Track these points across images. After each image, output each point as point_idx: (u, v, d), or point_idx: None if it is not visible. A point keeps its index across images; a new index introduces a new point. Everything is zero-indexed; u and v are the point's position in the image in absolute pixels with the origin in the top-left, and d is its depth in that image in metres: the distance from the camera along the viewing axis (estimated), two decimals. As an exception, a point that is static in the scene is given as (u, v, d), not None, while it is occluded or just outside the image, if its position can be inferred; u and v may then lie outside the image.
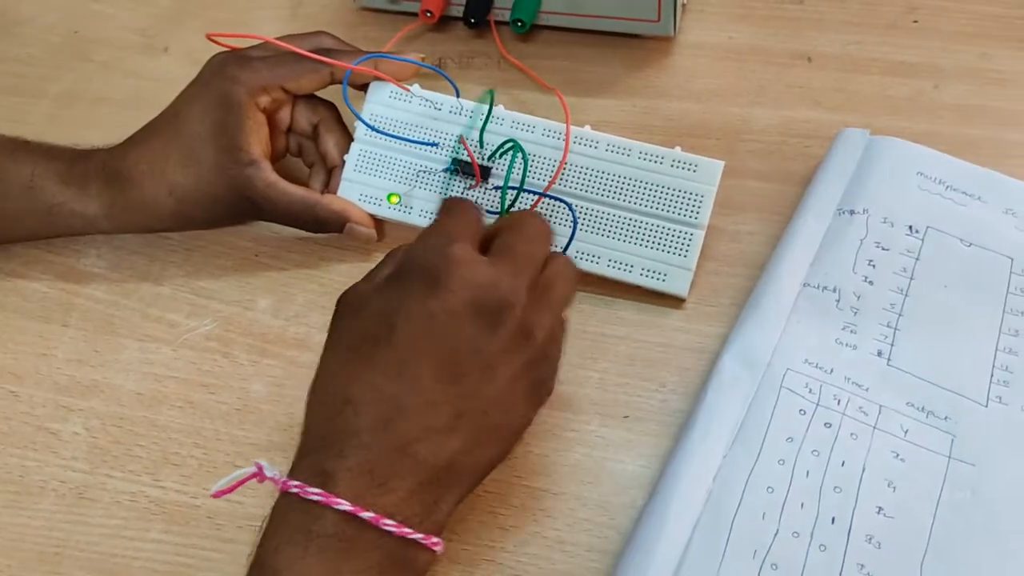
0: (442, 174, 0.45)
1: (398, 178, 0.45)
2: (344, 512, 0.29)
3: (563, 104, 0.45)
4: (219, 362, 0.43)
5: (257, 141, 0.43)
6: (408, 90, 0.45)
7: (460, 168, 0.44)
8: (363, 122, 0.45)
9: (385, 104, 0.46)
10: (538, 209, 0.43)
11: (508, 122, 0.44)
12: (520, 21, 0.50)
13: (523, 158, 0.43)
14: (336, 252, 0.46)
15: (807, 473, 0.36)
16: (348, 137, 0.46)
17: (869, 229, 0.42)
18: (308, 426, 0.32)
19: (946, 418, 0.38)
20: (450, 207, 0.35)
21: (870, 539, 0.35)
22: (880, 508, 0.36)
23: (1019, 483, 0.36)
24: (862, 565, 0.34)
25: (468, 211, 0.35)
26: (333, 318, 0.34)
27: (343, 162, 0.46)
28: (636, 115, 0.50)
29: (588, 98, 0.50)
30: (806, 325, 0.40)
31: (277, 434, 0.41)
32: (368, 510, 0.29)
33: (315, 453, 0.31)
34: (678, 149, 0.43)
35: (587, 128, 0.44)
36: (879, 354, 0.39)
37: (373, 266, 0.45)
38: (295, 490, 0.30)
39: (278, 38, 0.44)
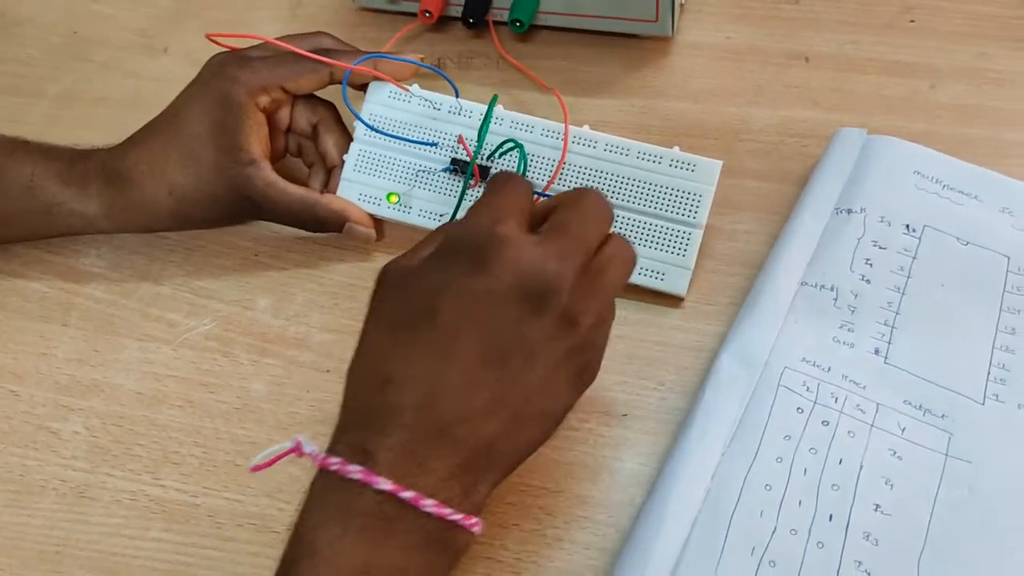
0: (441, 174, 0.45)
1: (397, 178, 0.45)
2: (384, 491, 0.29)
3: (562, 104, 0.45)
4: (219, 361, 0.43)
5: (257, 141, 0.43)
6: (407, 90, 0.46)
7: (459, 168, 0.44)
8: (362, 122, 0.45)
9: (384, 104, 0.46)
10: None
11: (507, 122, 0.44)
12: (519, 21, 0.51)
13: (522, 158, 0.43)
14: (335, 252, 0.46)
15: (805, 471, 0.37)
16: (347, 137, 0.46)
17: (866, 228, 0.42)
18: (348, 403, 0.32)
19: (943, 416, 0.38)
20: (499, 183, 0.34)
21: (868, 536, 0.35)
22: (877, 506, 0.36)
23: (1016, 480, 0.36)
24: (860, 562, 0.35)
25: (517, 187, 0.34)
26: (374, 293, 0.33)
27: (342, 162, 0.46)
28: (634, 115, 0.50)
29: (587, 98, 0.50)
30: (804, 324, 0.40)
31: (277, 433, 0.41)
32: (408, 490, 0.29)
33: (355, 431, 0.30)
34: (676, 149, 0.43)
35: (586, 128, 0.44)
36: (876, 352, 0.39)
37: (373, 265, 0.46)
38: (335, 468, 0.29)
39: (278, 38, 0.44)
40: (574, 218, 0.33)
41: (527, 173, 0.43)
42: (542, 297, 0.31)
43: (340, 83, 0.44)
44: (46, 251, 0.47)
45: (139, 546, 0.39)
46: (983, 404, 0.38)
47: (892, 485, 0.36)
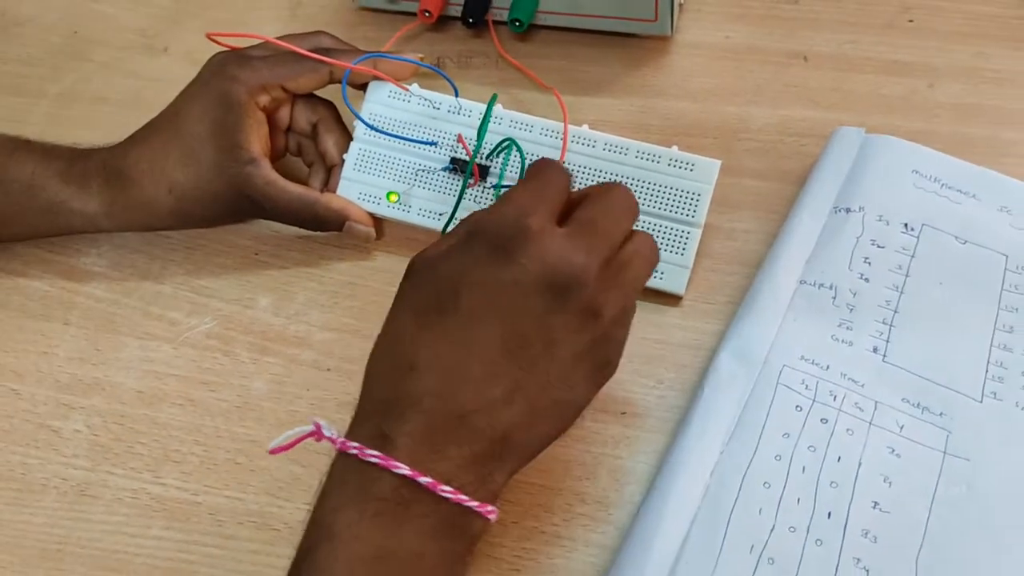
0: (441, 173, 0.45)
1: (397, 177, 0.45)
2: (402, 476, 0.29)
3: (561, 103, 0.45)
4: (220, 360, 0.43)
5: (257, 140, 0.43)
6: (407, 89, 0.46)
7: (459, 167, 0.45)
8: (362, 121, 0.45)
9: (384, 103, 0.46)
10: None
11: (506, 121, 0.45)
12: (518, 21, 0.51)
13: (521, 157, 0.43)
14: (336, 251, 0.46)
15: (803, 468, 0.37)
16: (347, 136, 0.47)
17: (865, 227, 0.43)
18: (369, 388, 0.32)
19: (941, 414, 0.38)
20: (536, 172, 0.34)
21: (866, 534, 0.35)
22: (876, 503, 0.36)
23: (1013, 478, 0.36)
24: (858, 559, 0.35)
25: (555, 178, 0.34)
26: (402, 281, 0.33)
27: (342, 161, 0.46)
28: (633, 114, 0.50)
29: (586, 97, 0.50)
30: (802, 322, 0.40)
31: (278, 431, 0.40)
32: (426, 475, 0.29)
33: (375, 416, 0.31)
34: (675, 148, 0.43)
35: (585, 127, 0.44)
36: (875, 350, 0.40)
37: (373, 264, 0.46)
38: (354, 451, 0.30)
39: (278, 38, 0.44)
40: (601, 212, 0.33)
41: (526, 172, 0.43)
42: (567, 289, 0.31)
43: (340, 82, 0.44)
44: (47, 250, 0.47)
45: (140, 544, 0.39)
46: (981, 402, 0.38)
47: (890, 483, 0.36)
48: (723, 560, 0.35)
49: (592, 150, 0.44)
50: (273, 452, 0.33)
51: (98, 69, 0.56)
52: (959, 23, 0.52)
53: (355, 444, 0.30)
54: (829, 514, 0.36)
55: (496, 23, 0.53)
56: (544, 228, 0.32)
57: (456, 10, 0.52)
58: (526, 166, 0.43)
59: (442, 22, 0.53)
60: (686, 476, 0.36)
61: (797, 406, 0.38)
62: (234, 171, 0.43)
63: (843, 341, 0.40)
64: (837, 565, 0.35)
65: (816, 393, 0.39)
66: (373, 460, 0.29)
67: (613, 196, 0.34)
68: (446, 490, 0.29)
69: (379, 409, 0.31)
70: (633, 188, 0.43)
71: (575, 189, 0.35)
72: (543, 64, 0.52)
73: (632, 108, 0.50)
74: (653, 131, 0.49)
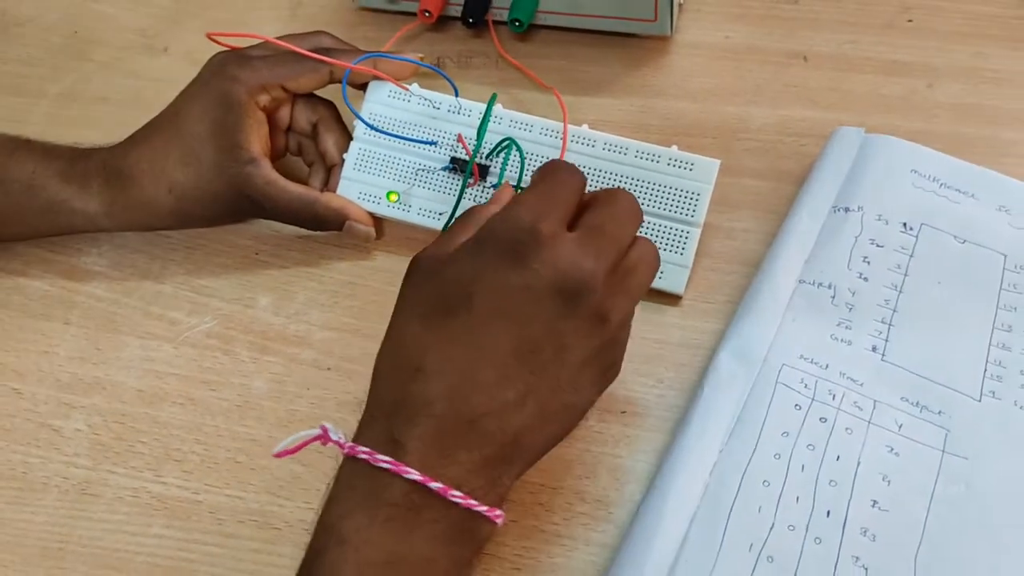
0: (441, 172, 0.45)
1: (397, 176, 0.46)
2: (412, 481, 0.29)
3: (560, 103, 0.45)
4: (220, 359, 0.43)
5: (257, 139, 0.43)
6: (407, 89, 0.46)
7: (458, 167, 0.45)
8: (362, 121, 0.46)
9: (384, 103, 0.46)
10: None
11: (506, 121, 0.45)
12: (518, 21, 0.51)
13: (520, 157, 0.43)
14: (336, 250, 0.46)
15: (802, 467, 0.37)
16: (347, 136, 0.47)
17: (864, 226, 0.43)
18: (376, 390, 0.32)
19: (940, 412, 0.38)
20: (548, 173, 0.34)
21: (865, 532, 0.35)
22: (875, 501, 0.36)
23: (1012, 477, 0.36)
24: (857, 557, 0.35)
25: (569, 181, 0.34)
26: (405, 281, 0.33)
27: (342, 161, 0.46)
28: (633, 114, 0.50)
29: (586, 97, 0.51)
30: (801, 321, 0.41)
31: (278, 430, 0.41)
32: (436, 480, 0.29)
33: (384, 420, 0.31)
34: (674, 148, 0.43)
35: (584, 127, 0.44)
36: (874, 349, 0.40)
37: (373, 263, 0.46)
38: (364, 456, 0.30)
39: (278, 38, 0.45)
40: (609, 218, 0.33)
41: (525, 172, 0.44)
42: (578, 295, 0.31)
43: (340, 82, 0.44)
44: (48, 250, 0.48)
45: (141, 542, 0.39)
46: (980, 401, 0.38)
47: (889, 481, 0.36)
48: (722, 558, 0.35)
49: (592, 150, 0.44)
50: (279, 456, 0.33)
51: (98, 69, 0.56)
52: (958, 23, 0.52)
53: (365, 449, 0.30)
54: (828, 512, 0.36)
55: (496, 23, 0.53)
56: (556, 233, 0.32)
57: (456, 10, 0.52)
58: (525, 166, 0.44)
59: (442, 22, 0.54)
60: (686, 475, 0.37)
61: (796, 405, 0.38)
62: (234, 171, 0.43)
63: (842, 340, 0.40)
64: (836, 563, 0.35)
65: (815, 392, 0.39)
66: (384, 466, 0.29)
67: (619, 202, 0.34)
68: (456, 495, 0.29)
69: (387, 412, 0.31)
70: (633, 188, 0.43)
71: (604, 190, 0.35)
72: (543, 64, 0.52)
73: (632, 108, 0.50)
74: (653, 131, 0.49)
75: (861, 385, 0.39)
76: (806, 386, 0.39)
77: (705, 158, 0.43)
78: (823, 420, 0.38)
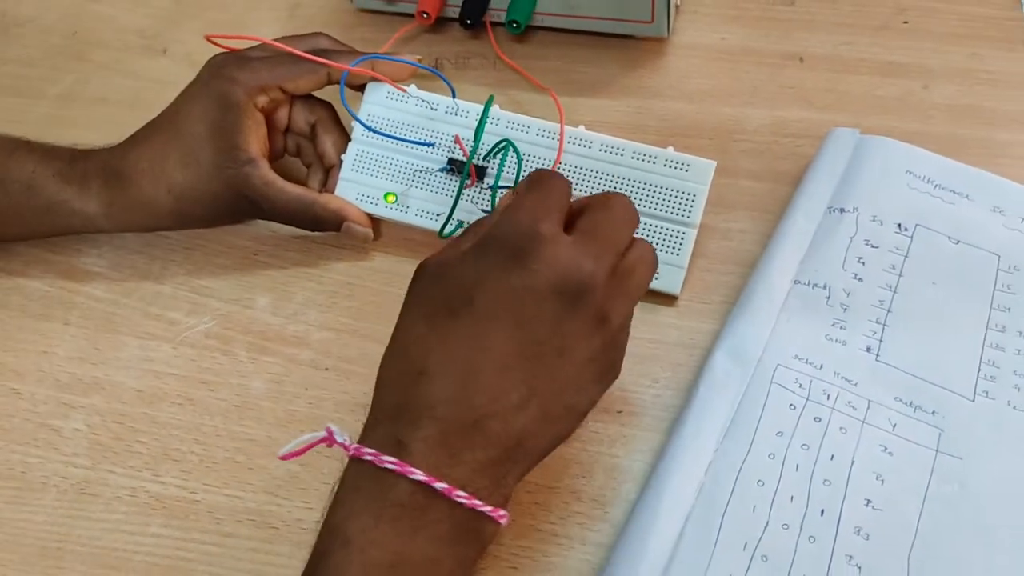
0: (438, 174, 0.45)
1: (395, 178, 0.46)
2: (418, 482, 0.29)
3: (557, 104, 0.45)
4: (218, 359, 0.44)
5: (255, 140, 0.44)
6: (404, 91, 0.46)
7: (456, 168, 0.45)
8: (360, 122, 0.46)
9: (382, 104, 0.46)
10: None
11: (503, 122, 0.45)
12: (515, 22, 0.51)
13: (517, 158, 0.44)
14: (334, 251, 0.47)
15: (797, 467, 0.37)
16: (345, 137, 0.47)
17: (859, 227, 0.43)
18: (382, 392, 0.32)
19: (934, 412, 0.38)
20: (539, 180, 0.34)
21: (859, 531, 0.36)
22: (868, 501, 0.36)
23: (1005, 477, 0.37)
24: (851, 556, 0.35)
25: (558, 186, 0.34)
26: (411, 285, 0.33)
27: (340, 162, 0.46)
28: (630, 115, 0.50)
29: (582, 98, 0.51)
30: (796, 322, 0.41)
31: (276, 430, 0.41)
32: (441, 481, 0.29)
33: (389, 422, 0.31)
34: (671, 149, 0.43)
35: (581, 128, 0.44)
36: (868, 350, 0.40)
37: (371, 264, 0.46)
38: (369, 458, 0.30)
39: (276, 39, 0.45)
40: (605, 221, 0.34)
41: (522, 173, 0.44)
42: (579, 296, 0.31)
43: (338, 84, 0.45)
44: (47, 250, 0.48)
45: (139, 542, 0.39)
46: (973, 401, 0.38)
47: (883, 480, 0.37)
48: (717, 557, 0.35)
49: (588, 151, 0.44)
50: (284, 458, 0.33)
51: (97, 70, 0.56)
52: (954, 24, 0.52)
53: (370, 450, 0.30)
54: (822, 512, 0.36)
55: (494, 24, 0.53)
56: (555, 235, 0.32)
57: (454, 11, 0.53)
58: (522, 167, 0.44)
59: (440, 23, 0.54)
60: (681, 474, 0.37)
61: (791, 405, 0.39)
62: (232, 172, 0.43)
63: (837, 340, 0.40)
64: (830, 562, 0.35)
65: (810, 392, 0.39)
66: (389, 467, 0.29)
67: (615, 205, 0.34)
68: (461, 495, 0.30)
69: (392, 414, 0.31)
70: (629, 189, 0.43)
71: (573, 194, 0.35)
72: (540, 65, 0.52)
73: (628, 109, 0.50)
74: (649, 132, 0.49)
75: (855, 385, 0.39)
76: (801, 386, 0.39)
77: (701, 159, 0.43)
78: (817, 420, 0.38)
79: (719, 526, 0.36)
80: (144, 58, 0.56)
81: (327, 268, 0.46)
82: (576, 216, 0.34)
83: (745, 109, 0.50)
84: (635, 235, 0.35)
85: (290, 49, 0.44)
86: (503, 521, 0.31)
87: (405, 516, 0.29)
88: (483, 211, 0.44)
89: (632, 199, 0.42)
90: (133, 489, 0.40)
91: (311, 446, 0.33)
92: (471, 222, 0.36)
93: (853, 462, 0.37)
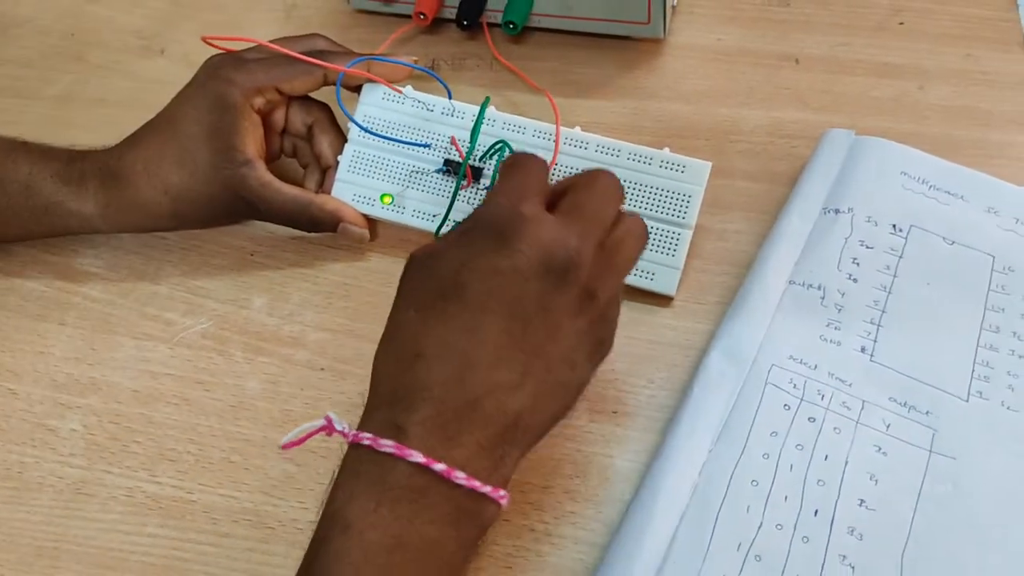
0: (434, 175, 0.45)
1: (391, 179, 0.46)
2: (416, 464, 0.29)
3: (553, 105, 0.46)
4: (215, 360, 0.44)
5: (252, 141, 0.44)
6: (401, 92, 0.46)
7: (452, 169, 0.45)
8: (356, 124, 0.46)
9: (378, 106, 0.46)
10: None
11: (499, 123, 0.45)
12: (512, 23, 0.51)
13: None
14: (330, 252, 0.47)
15: (791, 467, 0.37)
16: (342, 138, 0.47)
17: (854, 228, 0.43)
18: (377, 381, 0.32)
19: (927, 413, 0.38)
20: (515, 163, 0.35)
21: (852, 531, 0.36)
22: (862, 501, 0.36)
23: (999, 477, 0.37)
24: (844, 556, 0.35)
25: (535, 166, 0.35)
26: (402, 276, 0.34)
27: (337, 163, 0.46)
28: (626, 116, 0.50)
29: (579, 99, 0.51)
30: (791, 322, 0.41)
31: (272, 430, 0.41)
32: (440, 462, 0.29)
33: (386, 407, 0.31)
34: (667, 150, 0.43)
35: (577, 129, 0.44)
36: (862, 350, 0.40)
37: (367, 265, 0.46)
38: (367, 442, 0.30)
39: (272, 40, 0.45)
40: (589, 198, 0.34)
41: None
42: (564, 272, 0.32)
43: (334, 85, 0.45)
44: (44, 251, 0.48)
45: (135, 542, 0.39)
46: (967, 401, 0.39)
47: (877, 480, 0.37)
48: (711, 557, 0.35)
49: (584, 152, 0.44)
50: (286, 447, 0.33)
51: (95, 71, 0.56)
52: (949, 25, 0.52)
53: (368, 435, 0.30)
54: (816, 512, 0.36)
55: (490, 25, 0.53)
56: (537, 214, 0.32)
57: (451, 12, 0.53)
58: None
59: (436, 24, 0.54)
60: (675, 474, 0.37)
61: (785, 405, 0.39)
62: (229, 172, 0.43)
63: (831, 341, 0.40)
64: (823, 562, 0.35)
65: (804, 392, 0.39)
66: (387, 450, 0.29)
67: (598, 181, 0.35)
68: (460, 476, 0.30)
69: (388, 400, 0.31)
70: (625, 190, 0.43)
71: (584, 172, 0.36)
72: (537, 66, 0.52)
73: (625, 110, 0.51)
74: (645, 133, 0.49)
75: (850, 385, 0.39)
76: (795, 386, 0.39)
77: (697, 160, 0.43)
78: (812, 420, 0.38)
79: (713, 526, 0.36)
80: (142, 59, 0.56)
81: (323, 269, 0.46)
82: (561, 196, 0.34)
83: (741, 110, 0.50)
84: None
85: (286, 50, 0.44)
86: (503, 502, 0.31)
87: (405, 499, 0.29)
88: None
89: (629, 199, 0.43)
90: (129, 489, 0.40)
91: (311, 434, 0.33)
92: None
93: (847, 462, 0.37)
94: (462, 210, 0.45)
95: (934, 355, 0.40)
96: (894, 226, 0.43)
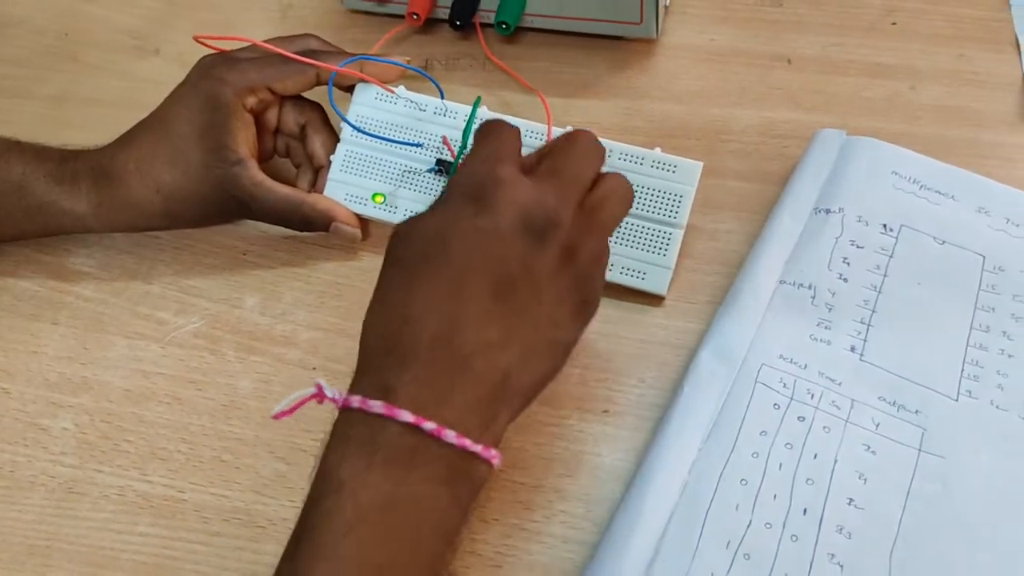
0: (426, 174, 0.45)
1: (383, 178, 0.46)
2: (406, 423, 0.29)
3: (545, 105, 0.46)
4: (207, 359, 0.44)
5: (244, 141, 0.44)
6: (393, 92, 0.46)
7: (444, 168, 0.45)
8: (348, 123, 0.46)
9: (371, 105, 0.46)
10: None
11: (491, 123, 0.45)
12: (505, 23, 0.51)
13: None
14: (322, 251, 0.47)
15: (780, 466, 0.37)
16: (334, 137, 0.47)
17: (844, 227, 0.43)
18: (366, 346, 0.32)
19: (917, 412, 0.38)
20: (489, 130, 0.35)
21: (841, 530, 0.36)
22: (851, 499, 0.36)
23: (988, 476, 0.37)
24: (833, 555, 0.35)
25: (507, 133, 0.35)
26: (387, 248, 0.34)
27: (329, 162, 0.46)
28: (618, 116, 0.50)
29: (571, 99, 0.51)
30: (781, 321, 0.41)
31: (263, 430, 0.42)
32: (430, 420, 0.29)
33: (375, 371, 0.31)
34: (658, 150, 0.43)
35: (569, 129, 0.44)
36: (852, 349, 0.40)
37: (359, 264, 0.46)
38: (357, 405, 0.30)
39: (265, 40, 0.45)
40: (567, 159, 0.34)
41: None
42: (544, 231, 0.32)
43: (327, 84, 0.45)
44: (37, 251, 0.48)
45: (127, 540, 0.39)
46: (957, 400, 0.39)
47: (866, 479, 0.37)
48: (700, 555, 0.35)
49: (575, 151, 0.44)
50: (276, 417, 0.33)
51: (89, 71, 0.56)
52: (941, 25, 0.52)
53: (357, 398, 0.30)
54: (805, 510, 0.36)
55: (483, 25, 0.53)
56: (513, 176, 0.33)
57: (444, 13, 0.53)
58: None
59: (430, 24, 0.54)
60: (665, 473, 0.37)
61: (775, 404, 0.39)
62: (221, 172, 0.43)
63: (821, 340, 0.40)
64: (812, 561, 0.35)
65: (794, 391, 0.39)
66: (377, 411, 0.29)
67: (576, 142, 0.35)
68: (450, 435, 0.29)
69: (377, 364, 0.31)
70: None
71: (563, 135, 0.36)
72: (529, 66, 0.52)
73: (617, 110, 0.51)
74: (638, 133, 0.50)
75: (839, 384, 0.39)
76: (785, 385, 0.39)
77: (688, 160, 0.43)
78: (801, 419, 0.38)
79: (702, 524, 0.36)
80: (136, 59, 0.56)
81: (315, 268, 0.46)
82: (542, 159, 0.35)
83: (733, 110, 0.50)
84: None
85: (279, 50, 0.44)
86: (495, 461, 0.31)
87: (396, 458, 0.29)
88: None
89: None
90: (121, 488, 0.40)
91: (302, 403, 0.33)
92: None
93: (836, 461, 0.37)
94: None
95: (924, 354, 0.40)
96: (885, 226, 0.43)
